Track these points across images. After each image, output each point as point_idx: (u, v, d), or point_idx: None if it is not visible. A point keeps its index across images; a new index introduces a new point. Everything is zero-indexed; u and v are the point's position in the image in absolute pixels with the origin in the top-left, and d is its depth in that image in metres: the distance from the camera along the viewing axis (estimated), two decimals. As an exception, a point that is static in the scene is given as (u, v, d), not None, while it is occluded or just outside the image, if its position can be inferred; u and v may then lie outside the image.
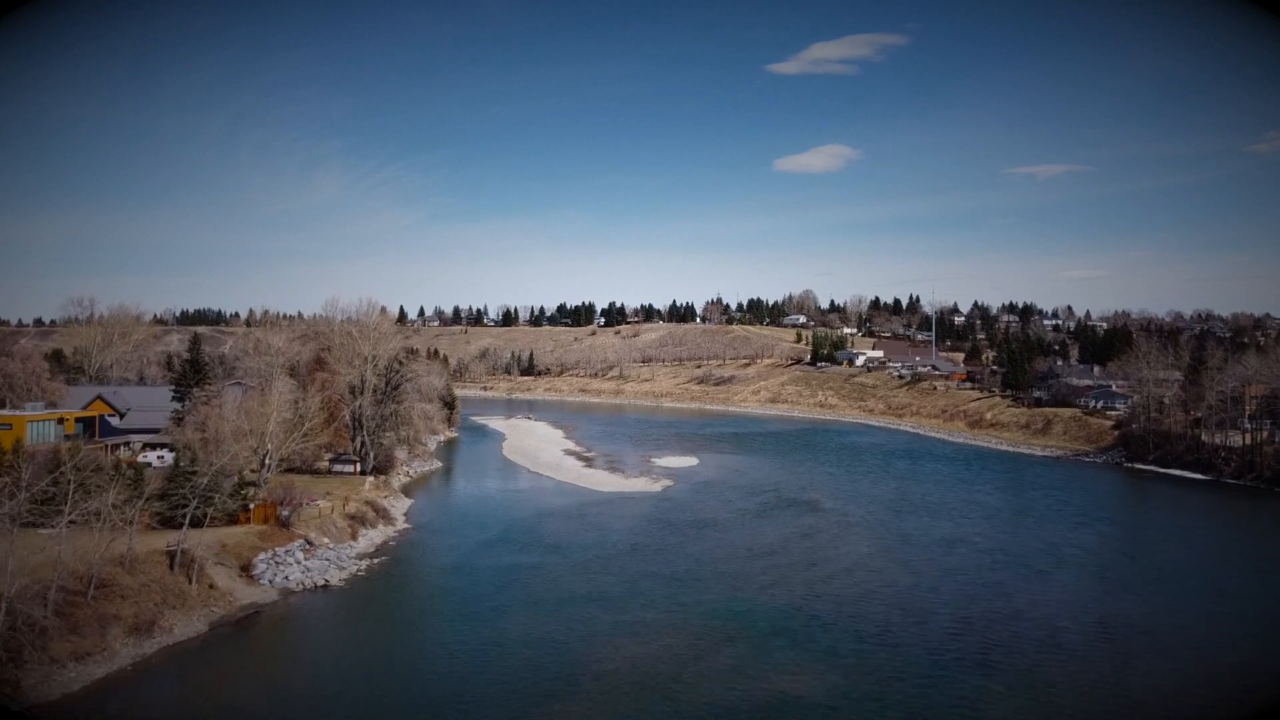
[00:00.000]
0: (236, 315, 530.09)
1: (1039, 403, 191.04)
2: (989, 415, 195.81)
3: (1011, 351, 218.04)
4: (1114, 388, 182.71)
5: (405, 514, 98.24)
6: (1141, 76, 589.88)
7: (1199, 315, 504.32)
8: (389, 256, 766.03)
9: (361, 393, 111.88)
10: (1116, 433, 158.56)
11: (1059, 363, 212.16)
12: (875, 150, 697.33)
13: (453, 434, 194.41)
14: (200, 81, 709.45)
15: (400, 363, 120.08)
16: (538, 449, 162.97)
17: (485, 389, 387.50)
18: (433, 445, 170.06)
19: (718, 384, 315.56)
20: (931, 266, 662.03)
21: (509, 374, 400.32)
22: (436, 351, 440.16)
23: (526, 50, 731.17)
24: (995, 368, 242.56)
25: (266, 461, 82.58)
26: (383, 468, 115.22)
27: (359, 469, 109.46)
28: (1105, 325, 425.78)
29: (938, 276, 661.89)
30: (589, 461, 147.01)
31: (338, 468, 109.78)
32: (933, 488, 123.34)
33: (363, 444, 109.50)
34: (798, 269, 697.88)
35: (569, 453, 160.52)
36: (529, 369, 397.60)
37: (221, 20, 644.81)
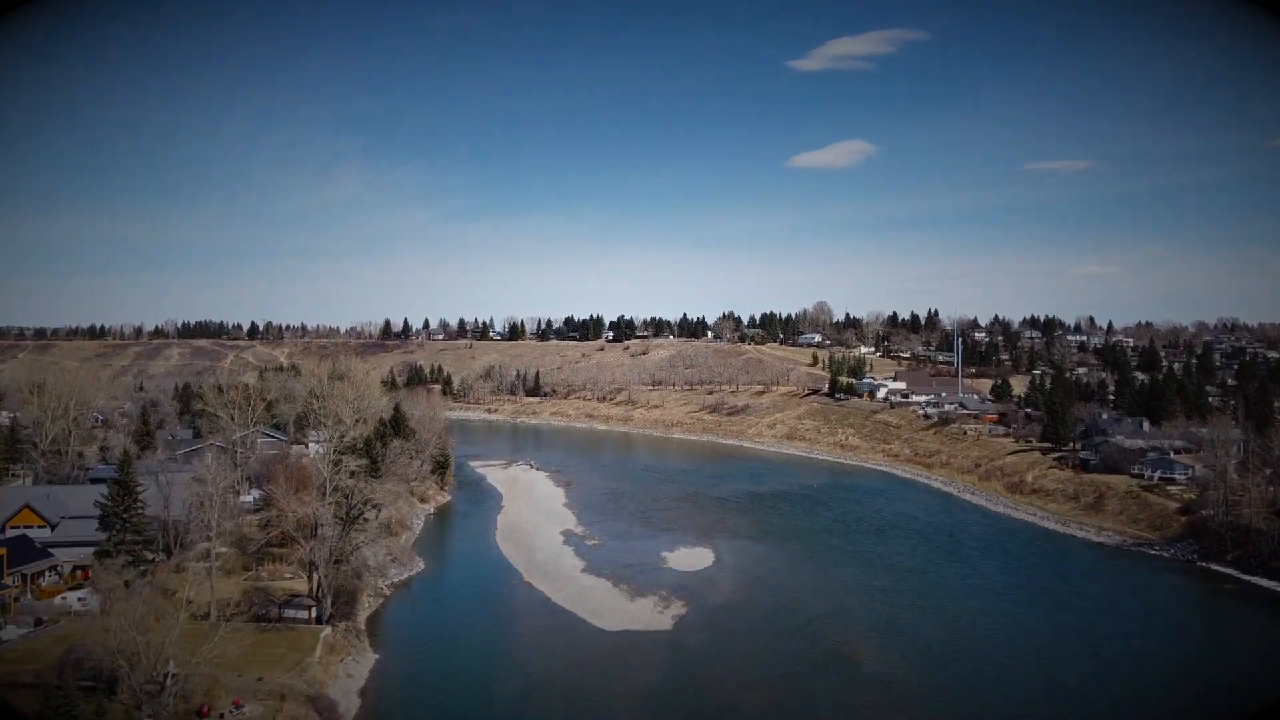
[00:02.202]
0: (239, 327, 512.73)
1: (1085, 465, 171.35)
2: (1030, 477, 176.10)
3: (1051, 402, 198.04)
4: (1171, 454, 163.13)
5: (360, 693, 79.38)
6: (1161, 72, 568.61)
7: (1224, 325, 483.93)
8: (405, 255, 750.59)
9: (314, 534, 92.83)
10: (1184, 519, 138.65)
11: (1102, 415, 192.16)
12: (893, 146, 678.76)
13: (445, 498, 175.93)
14: (224, 81, 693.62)
15: (363, 487, 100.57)
16: (535, 533, 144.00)
17: (490, 411, 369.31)
18: (420, 522, 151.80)
19: (730, 413, 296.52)
20: (945, 263, 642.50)
21: (514, 395, 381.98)
22: (440, 369, 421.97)
23: (547, 48, 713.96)
24: (1029, 410, 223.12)
25: (167, 684, 63.65)
26: (347, 602, 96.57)
27: (314, 614, 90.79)
28: (1132, 342, 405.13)
29: (951, 274, 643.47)
30: (590, 559, 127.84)
31: (290, 613, 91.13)
32: (993, 619, 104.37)
33: (319, 585, 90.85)
34: (812, 267, 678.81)
35: (569, 538, 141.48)
36: (535, 389, 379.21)
37: (245, 20, 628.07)
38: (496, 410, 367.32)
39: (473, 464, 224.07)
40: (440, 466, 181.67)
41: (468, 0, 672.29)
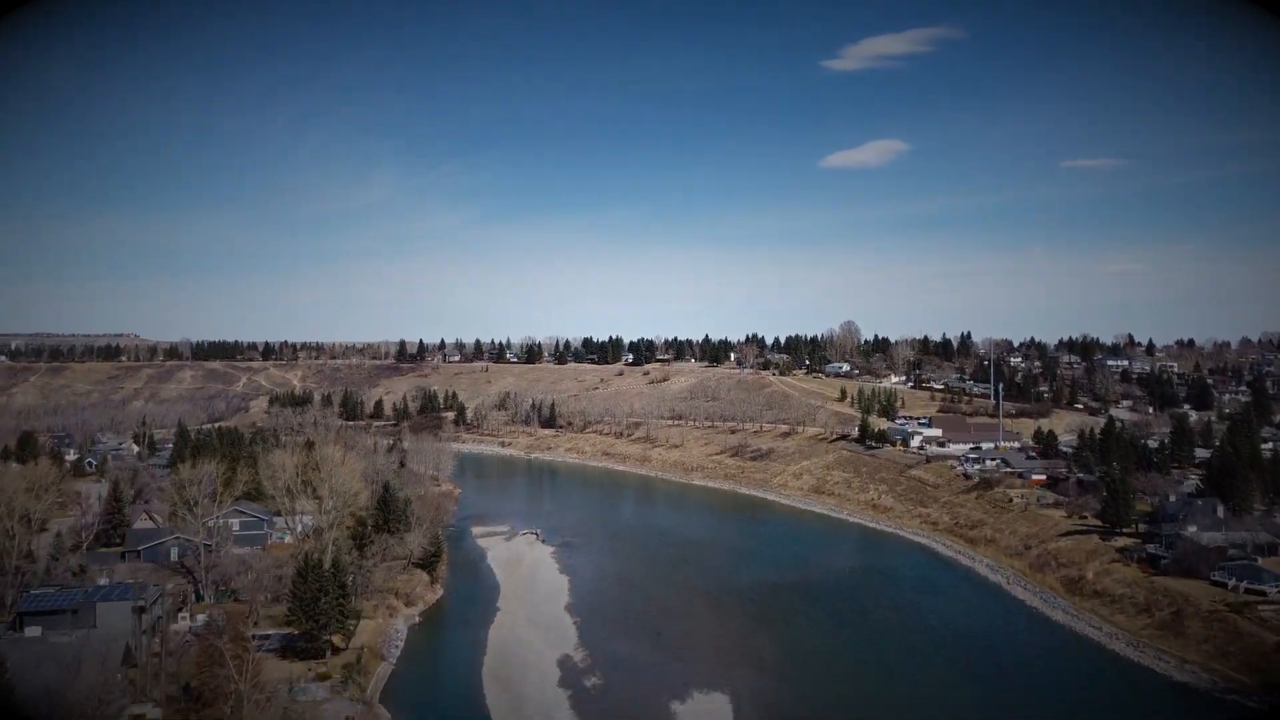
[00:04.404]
0: (254, 346, 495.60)
1: (1155, 563, 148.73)
2: (1091, 574, 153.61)
3: (1108, 478, 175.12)
4: (1257, 558, 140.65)
5: None
6: (1199, 65, 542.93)
7: (1269, 341, 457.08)
8: (432, 258, 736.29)
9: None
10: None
11: (1170, 497, 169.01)
12: (928, 145, 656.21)
13: (437, 594, 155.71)
14: (263, 83, 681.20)
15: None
16: (528, 665, 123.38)
17: (504, 445, 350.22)
18: (399, 644, 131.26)
19: (754, 458, 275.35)
20: (974, 263, 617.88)
21: (528, 425, 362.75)
22: (454, 395, 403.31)
23: (581, 48, 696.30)
24: (1081, 476, 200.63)
25: None
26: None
27: None
28: (1176, 367, 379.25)
29: (980, 272, 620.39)
30: (586, 716, 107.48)
31: None
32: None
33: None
34: (841, 273, 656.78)
35: (566, 672, 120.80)
36: (550, 420, 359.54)
37: (281, 22, 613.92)
38: (510, 444, 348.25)
39: (475, 531, 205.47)
40: (432, 557, 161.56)
41: (502, 2, 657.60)
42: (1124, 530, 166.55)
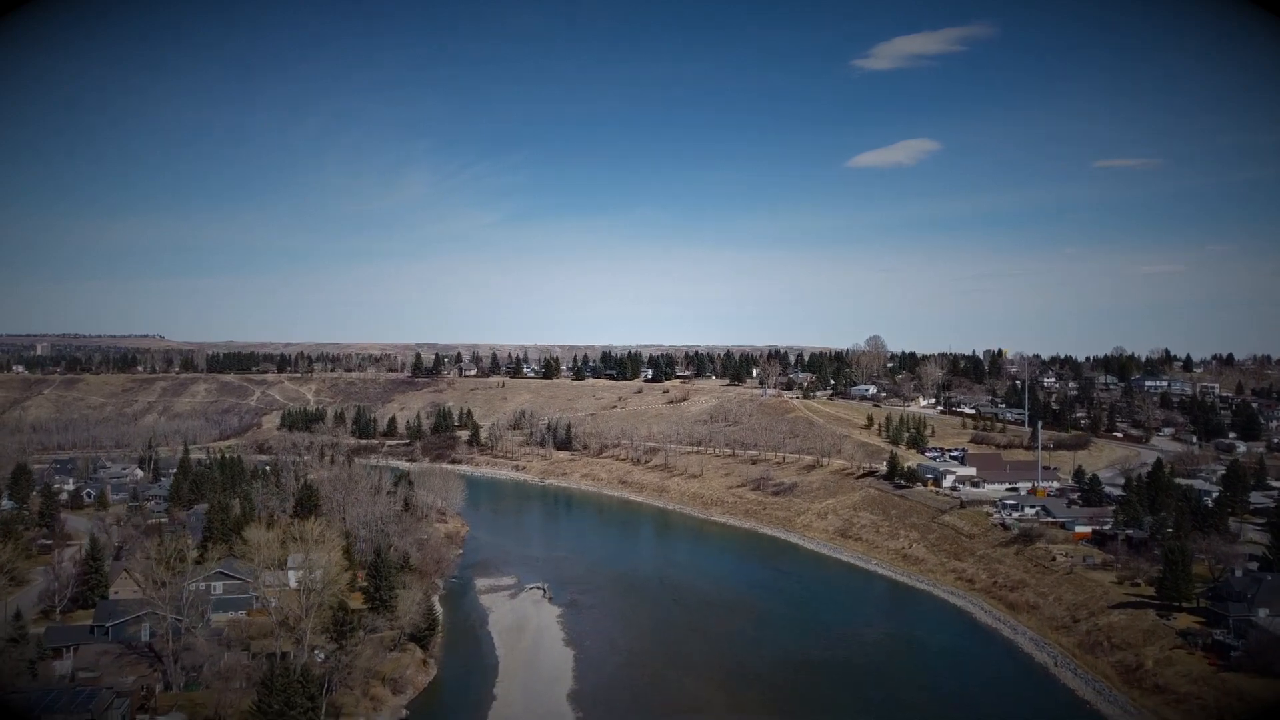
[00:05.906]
0: (269, 358, 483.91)
1: (1223, 653, 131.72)
2: (1151, 662, 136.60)
3: (1168, 549, 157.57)
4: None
5: None
6: (1227, 67, 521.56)
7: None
8: (456, 258, 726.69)
9: None
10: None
11: (1236, 571, 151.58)
12: (959, 144, 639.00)
13: (429, 675, 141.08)
14: (295, 83, 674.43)
15: None
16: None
17: (518, 469, 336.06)
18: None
19: (776, 493, 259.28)
20: (1003, 263, 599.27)
21: (544, 447, 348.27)
22: (469, 413, 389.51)
23: (613, 48, 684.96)
24: (1130, 532, 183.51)
25: None
26: None
27: None
28: (1218, 388, 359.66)
29: (1011, 274, 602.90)
30: None
31: None
32: None
33: None
34: (868, 272, 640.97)
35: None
36: (566, 442, 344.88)
37: (317, 23, 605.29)
38: (525, 468, 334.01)
39: (478, 584, 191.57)
40: (426, 630, 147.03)
41: (535, 3, 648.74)
42: (1183, 605, 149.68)
